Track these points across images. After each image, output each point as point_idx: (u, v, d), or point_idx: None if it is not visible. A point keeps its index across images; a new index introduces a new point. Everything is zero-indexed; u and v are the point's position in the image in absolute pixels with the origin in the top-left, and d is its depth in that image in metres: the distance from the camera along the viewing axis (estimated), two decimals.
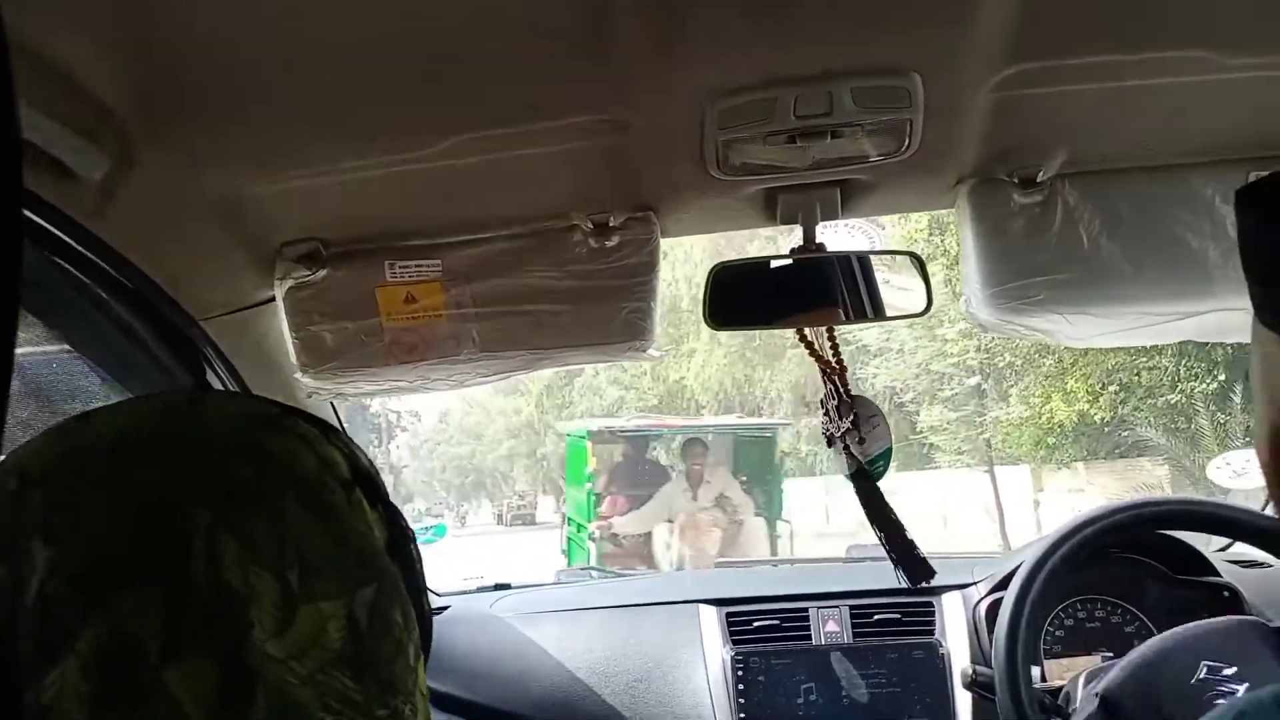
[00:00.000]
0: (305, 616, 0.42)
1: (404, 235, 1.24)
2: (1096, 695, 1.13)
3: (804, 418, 16.70)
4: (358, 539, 0.46)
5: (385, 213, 1.20)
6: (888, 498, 1.29)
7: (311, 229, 1.22)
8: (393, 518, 0.50)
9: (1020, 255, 1.20)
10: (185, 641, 0.38)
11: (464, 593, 1.94)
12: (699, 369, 20.36)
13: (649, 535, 7.54)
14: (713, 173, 1.12)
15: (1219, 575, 1.48)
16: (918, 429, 16.01)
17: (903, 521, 1.31)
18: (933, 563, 1.92)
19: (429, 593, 1.81)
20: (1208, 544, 1.59)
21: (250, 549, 0.41)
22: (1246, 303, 1.20)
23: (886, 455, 1.30)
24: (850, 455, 1.29)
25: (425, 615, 0.51)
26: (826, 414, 1.31)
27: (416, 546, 0.53)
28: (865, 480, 1.30)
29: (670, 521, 7.30)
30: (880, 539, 1.30)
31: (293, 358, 1.28)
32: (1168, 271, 1.19)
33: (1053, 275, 1.19)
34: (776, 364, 18.61)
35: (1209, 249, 1.18)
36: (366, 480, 0.49)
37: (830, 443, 1.32)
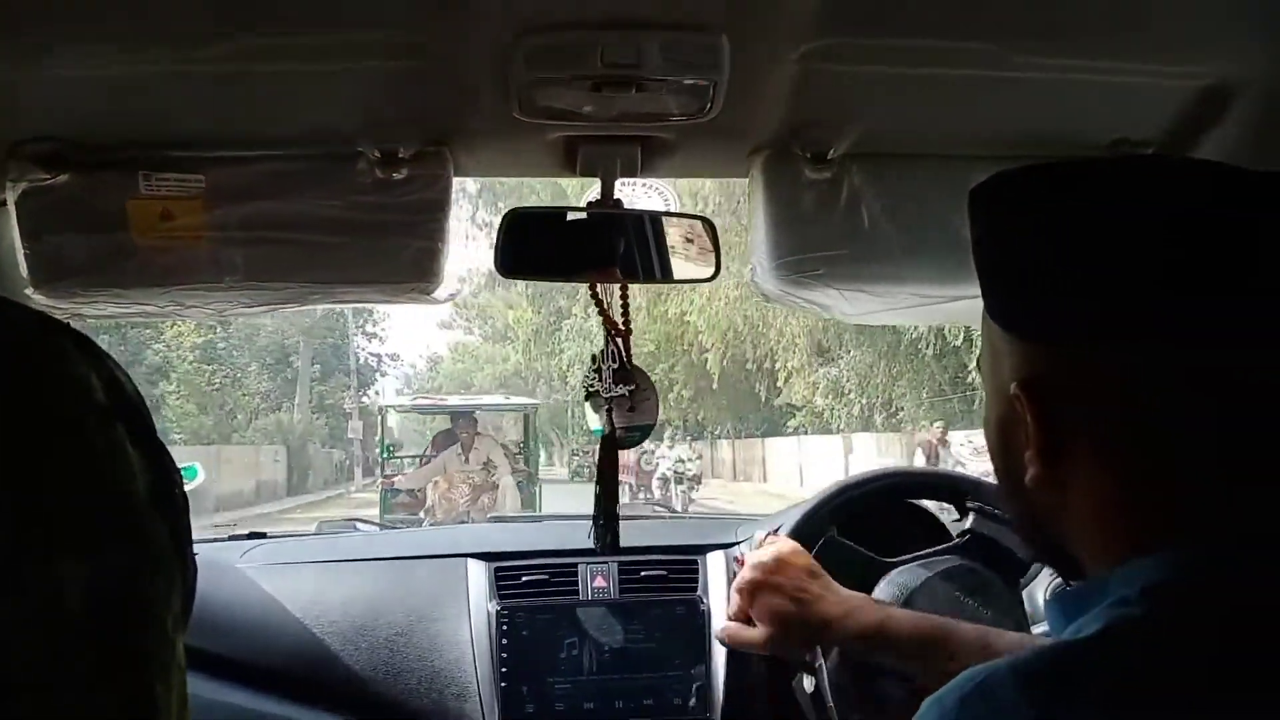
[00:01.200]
0: (35, 576, 0.35)
1: (164, 145, 1.12)
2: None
3: (820, 368, 17.07)
4: (114, 489, 0.39)
5: (145, 117, 1.08)
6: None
7: (55, 127, 1.07)
8: (158, 459, 0.42)
9: (805, 230, 1.23)
10: None
11: (213, 540, 1.82)
12: (704, 304, 19.53)
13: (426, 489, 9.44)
14: (515, 114, 1.07)
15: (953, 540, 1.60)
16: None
17: (618, 494, 1.35)
18: (698, 524, 1.98)
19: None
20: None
21: None
22: None
23: (646, 430, 1.32)
24: (610, 418, 1.29)
25: (189, 574, 0.45)
26: (599, 372, 1.30)
27: (184, 493, 0.45)
28: (613, 446, 1.31)
29: (438, 480, 9.30)
30: (596, 500, 1.33)
31: (24, 271, 1.14)
32: (941, 257, 1.26)
33: (834, 251, 1.23)
34: None
35: None
36: (130, 412, 0.41)
37: (590, 397, 1.31)
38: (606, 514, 1.29)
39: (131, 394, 0.42)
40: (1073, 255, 0.61)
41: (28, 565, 0.34)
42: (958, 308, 1.33)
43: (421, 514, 9.16)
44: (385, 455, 10.53)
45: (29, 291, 1.14)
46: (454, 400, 11.93)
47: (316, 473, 27.07)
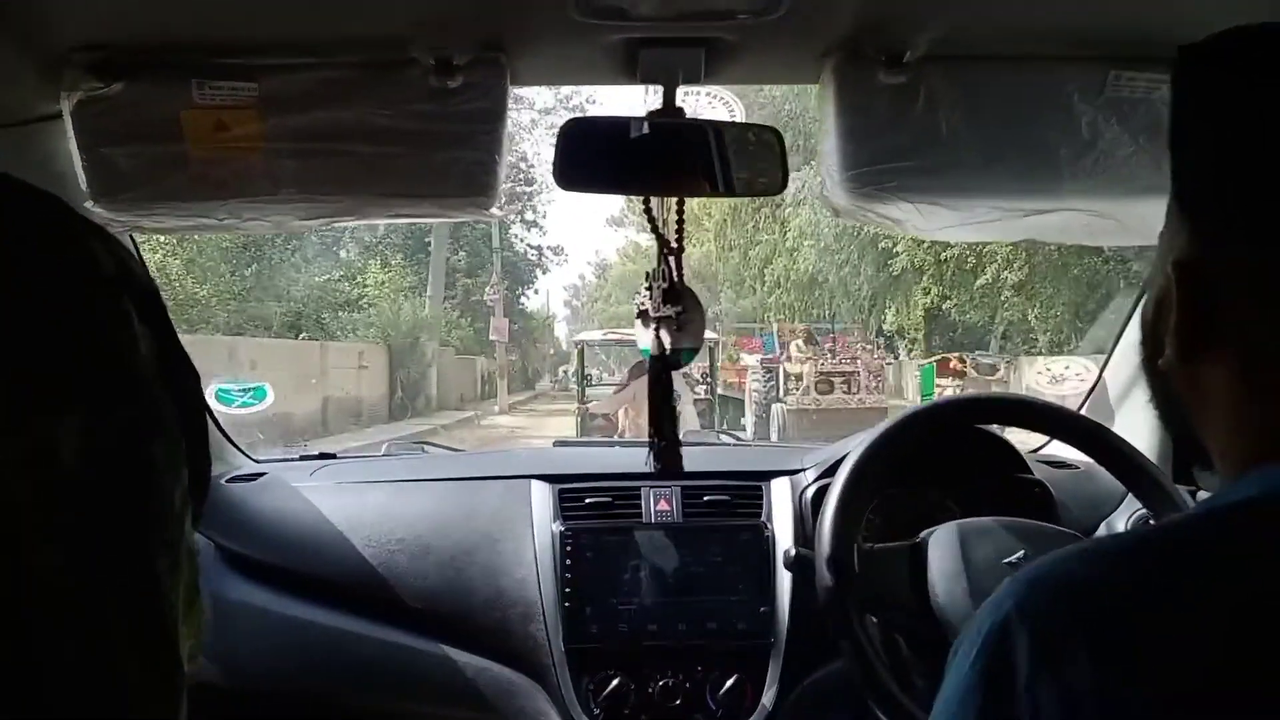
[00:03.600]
0: (34, 427, 0.35)
1: (216, 51, 1.09)
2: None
3: None
4: (115, 353, 0.39)
5: (194, 20, 1.05)
6: None
7: (105, 33, 1.06)
8: (169, 343, 0.42)
9: (880, 138, 1.17)
10: None
11: (283, 460, 1.84)
12: None
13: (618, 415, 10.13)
14: (572, 14, 1.02)
15: (1031, 473, 1.54)
16: None
17: (678, 417, 1.31)
18: (764, 451, 1.94)
19: (242, 455, 1.70)
20: (1024, 444, 1.65)
21: None
22: (1091, 205, 1.22)
23: (692, 352, 1.28)
24: (658, 338, 1.25)
25: (202, 465, 0.44)
26: (649, 289, 1.25)
27: (199, 386, 0.45)
28: (664, 366, 1.27)
29: (632, 402, 9.74)
30: (651, 422, 1.29)
31: (82, 184, 1.13)
32: (1020, 167, 1.19)
33: (909, 162, 1.17)
34: None
35: (1062, 148, 1.18)
36: (139, 292, 0.41)
37: (640, 316, 1.27)
38: (665, 436, 1.25)
39: (141, 276, 0.42)
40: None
41: (24, 413, 0.35)
42: (1038, 222, 1.26)
43: (615, 437, 9.88)
44: (582, 386, 11.56)
45: (88, 204, 1.14)
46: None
47: (448, 385, 20.47)
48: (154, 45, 1.07)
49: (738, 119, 1.33)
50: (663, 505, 1.56)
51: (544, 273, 32.33)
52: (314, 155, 1.13)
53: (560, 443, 2.02)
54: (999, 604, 0.53)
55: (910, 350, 22.81)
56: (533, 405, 25.57)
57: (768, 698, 1.44)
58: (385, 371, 17.48)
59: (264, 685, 1.45)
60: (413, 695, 1.48)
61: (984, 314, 19.91)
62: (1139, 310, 0.70)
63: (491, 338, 22.41)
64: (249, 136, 1.11)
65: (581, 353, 12.37)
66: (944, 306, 20.85)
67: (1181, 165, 0.61)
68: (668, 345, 1.22)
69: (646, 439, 1.32)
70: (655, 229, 1.23)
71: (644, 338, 1.24)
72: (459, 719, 1.47)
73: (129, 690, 0.37)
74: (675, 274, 1.22)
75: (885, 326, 22.58)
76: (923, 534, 1.30)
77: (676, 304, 1.20)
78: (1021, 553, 1.23)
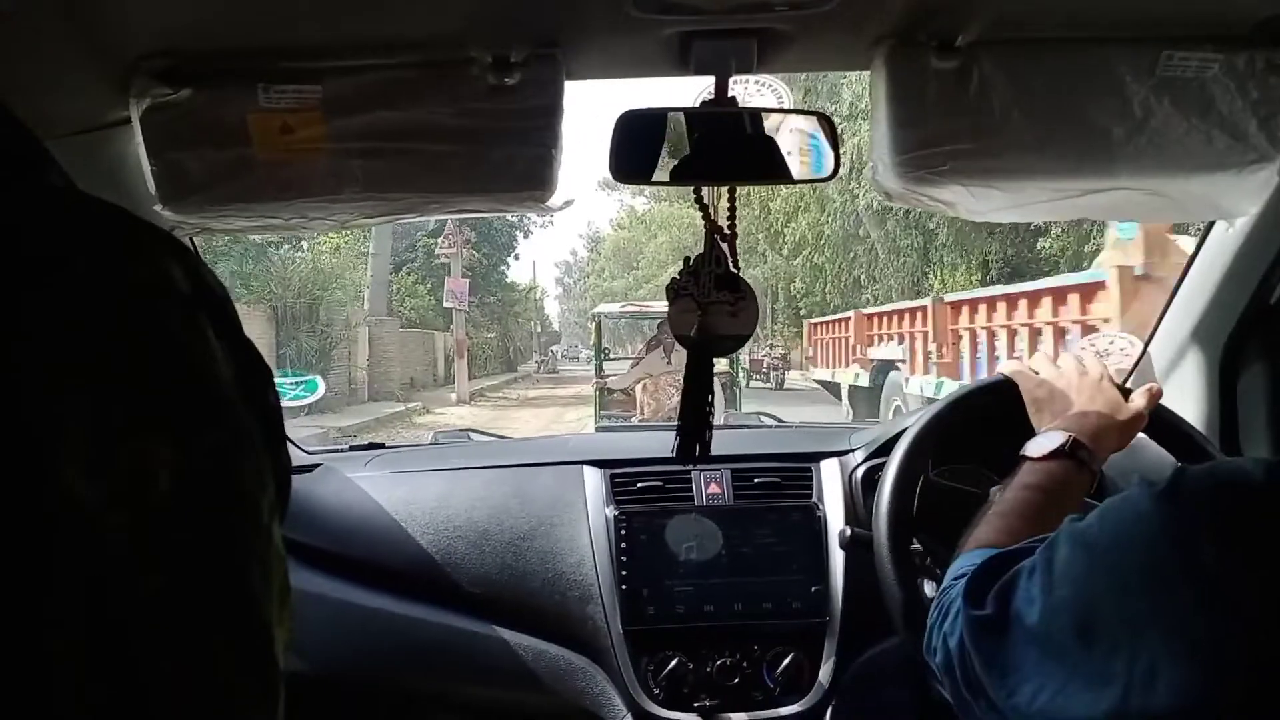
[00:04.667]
0: (128, 456, 0.34)
1: (280, 55, 1.11)
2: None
3: None
4: (198, 374, 0.38)
5: (259, 26, 1.07)
6: None
7: (172, 41, 1.08)
8: (246, 354, 0.43)
9: (931, 123, 1.18)
10: None
11: (335, 451, 1.88)
12: None
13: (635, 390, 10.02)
14: (629, 10, 1.04)
15: None
16: None
17: (711, 402, 1.29)
18: (810, 432, 1.96)
19: (295, 447, 1.73)
20: None
21: (58, 375, 0.33)
22: (1143, 183, 1.22)
23: (742, 340, 1.28)
24: (702, 323, 1.24)
25: (283, 468, 0.45)
26: (694, 274, 1.25)
27: (275, 390, 0.46)
28: (706, 353, 1.26)
29: (648, 377, 9.81)
30: (682, 407, 1.28)
31: (151, 188, 1.16)
32: (1073, 147, 1.20)
33: (961, 145, 1.18)
34: None
35: (1114, 127, 1.19)
36: (214, 306, 0.41)
37: (675, 299, 1.24)
38: (694, 423, 1.25)
39: (215, 288, 0.42)
40: None
41: (117, 446, 0.34)
42: (1090, 201, 1.27)
43: (634, 412, 9.88)
44: (600, 361, 11.28)
45: (157, 208, 1.17)
46: (659, 306, 12.63)
47: (389, 365, 17.59)
48: (221, 51, 1.10)
49: (785, 105, 1.33)
50: (713, 488, 1.59)
51: (525, 236, 29.25)
52: (376, 154, 1.15)
53: (604, 428, 2.05)
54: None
55: None
56: (506, 392, 22.61)
57: (824, 674, 1.47)
58: (269, 347, 13.41)
59: (328, 671, 1.49)
60: (475, 678, 1.51)
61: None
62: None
63: (446, 303, 18.59)
64: (313, 138, 1.14)
65: (599, 326, 12.07)
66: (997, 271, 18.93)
67: None
68: (714, 331, 1.22)
69: (722, 420, 1.33)
70: (707, 215, 1.24)
71: (679, 321, 1.23)
72: (521, 701, 1.51)
73: (232, 700, 0.38)
74: (730, 260, 1.23)
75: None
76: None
77: (735, 290, 1.21)
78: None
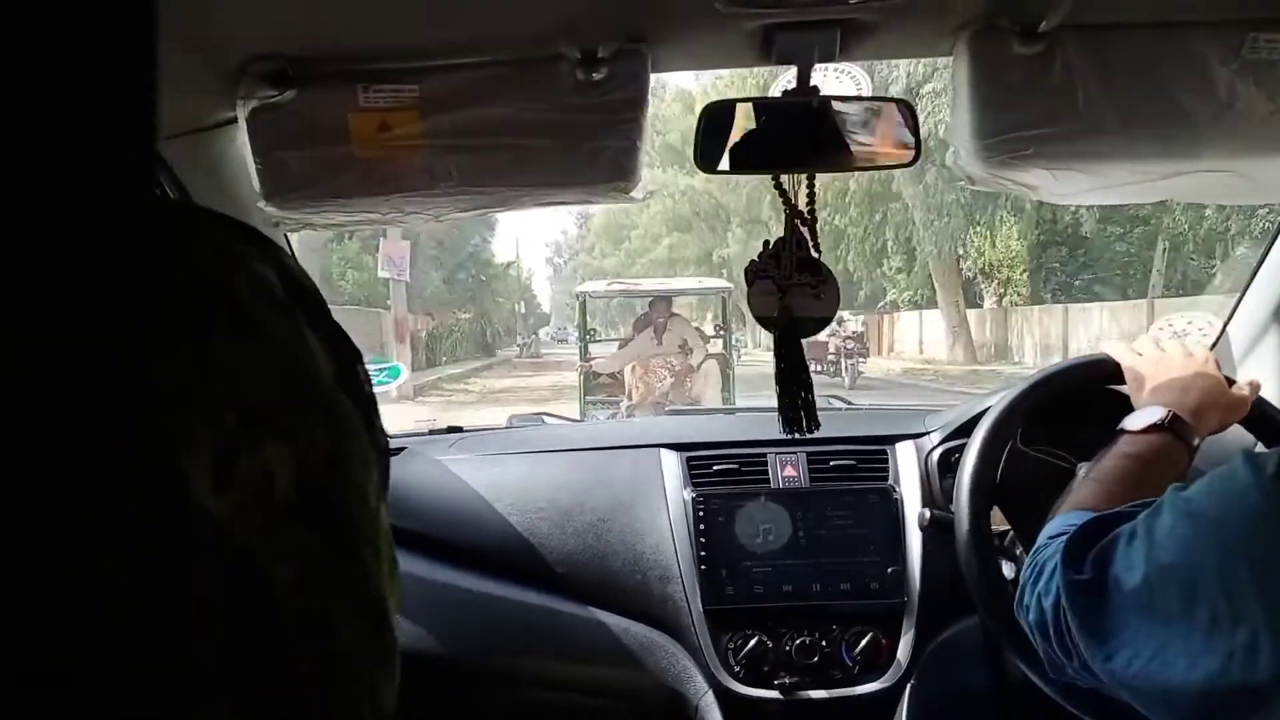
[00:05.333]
0: (248, 465, 0.35)
1: (379, 57, 1.16)
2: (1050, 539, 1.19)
3: None
4: (303, 373, 0.40)
5: (359, 30, 1.12)
6: None
7: (278, 45, 1.13)
8: (340, 345, 0.43)
9: (1014, 108, 1.19)
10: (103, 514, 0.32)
11: (418, 435, 1.93)
12: None
13: (624, 373, 9.36)
14: (715, 4, 1.06)
15: None
16: None
17: (810, 378, 1.32)
18: (886, 414, 1.97)
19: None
20: None
21: (175, 391, 0.34)
22: (1228, 165, 1.22)
23: (824, 321, 1.30)
24: (785, 305, 1.27)
25: (382, 450, 0.46)
26: (774, 257, 1.28)
27: (366, 371, 0.46)
28: (795, 334, 1.29)
29: (638, 359, 9.13)
30: (780, 387, 1.31)
31: (255, 185, 1.21)
32: (1158, 130, 1.20)
33: (1045, 129, 1.18)
34: None
35: (1199, 110, 1.19)
36: (308, 302, 0.42)
37: (755, 281, 1.28)
38: (799, 403, 1.29)
39: (306, 284, 0.43)
40: None
41: (239, 459, 0.35)
42: (1174, 184, 1.27)
43: (622, 397, 9.23)
44: (585, 343, 10.40)
45: (261, 204, 1.22)
46: (648, 284, 11.85)
47: None
48: (324, 54, 1.14)
49: (864, 92, 1.34)
50: (789, 471, 1.61)
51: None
52: (470, 150, 1.19)
53: (674, 411, 2.08)
54: None
55: (1004, 294, 19.41)
56: (470, 382, 20.08)
57: (903, 654, 1.49)
58: None
59: (420, 648, 1.55)
60: (561, 655, 1.56)
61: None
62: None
63: (382, 272, 14.94)
64: (410, 135, 1.18)
65: (584, 306, 10.91)
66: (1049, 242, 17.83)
67: None
68: (798, 313, 1.25)
69: (763, 406, 1.36)
70: (787, 200, 1.26)
71: (759, 303, 1.27)
72: (606, 677, 1.55)
73: (360, 671, 0.41)
74: (811, 243, 1.25)
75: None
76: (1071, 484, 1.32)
77: (817, 273, 1.24)
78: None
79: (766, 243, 1.29)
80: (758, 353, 19.25)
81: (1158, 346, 1.28)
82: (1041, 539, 0.98)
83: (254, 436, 0.36)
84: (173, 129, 1.20)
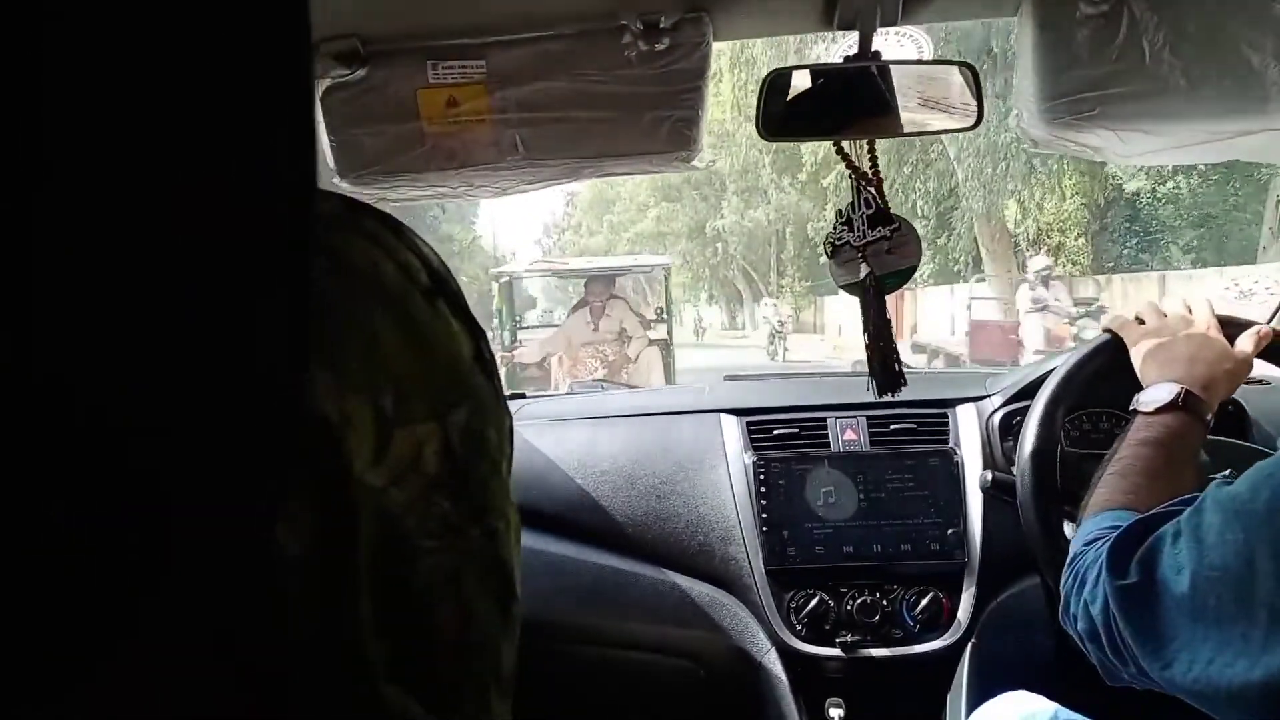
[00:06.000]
0: (401, 441, 0.38)
1: (448, 33, 1.18)
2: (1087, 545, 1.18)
3: None
4: (446, 355, 0.42)
5: (429, 7, 1.14)
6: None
7: (351, 24, 1.16)
8: (473, 324, 0.46)
9: (1080, 67, 1.18)
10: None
11: None
12: None
13: (551, 363, 8.33)
14: None
15: None
16: None
17: (894, 339, 1.33)
18: (947, 378, 1.97)
19: None
20: None
21: (343, 376, 0.37)
22: None
23: (906, 273, 1.31)
24: (869, 264, 1.29)
25: (508, 421, 0.48)
26: (847, 223, 1.30)
27: (491, 350, 0.49)
28: (879, 292, 1.31)
29: (568, 346, 8.08)
30: (868, 349, 1.32)
31: (330, 162, 1.25)
32: (1226, 89, 1.18)
33: (1111, 90, 1.17)
34: None
35: (1270, 67, 1.17)
36: (445, 286, 0.44)
37: (834, 253, 1.31)
38: (881, 362, 1.30)
39: (440, 268, 0.45)
40: None
41: (393, 434, 0.38)
42: (1243, 143, 1.25)
43: (551, 389, 7.67)
44: (504, 326, 9.37)
45: (335, 180, 1.26)
46: (577, 263, 11.15)
47: None
48: (395, 32, 1.17)
49: (926, 56, 1.33)
50: (850, 435, 1.63)
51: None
52: (535, 124, 1.22)
53: (730, 377, 2.10)
54: None
55: (1060, 259, 16.54)
56: None
57: (963, 613, 1.51)
58: None
59: None
60: (626, 614, 1.60)
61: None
62: None
63: None
64: (478, 110, 1.21)
65: (507, 289, 9.69)
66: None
67: None
68: (880, 270, 1.26)
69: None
70: (850, 163, 1.27)
71: (841, 275, 1.28)
72: (670, 635, 1.59)
73: (490, 633, 0.44)
74: (879, 201, 1.26)
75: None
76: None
77: (887, 224, 1.25)
78: (1228, 471, 1.24)
79: (839, 212, 1.31)
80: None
81: (1158, 313, 1.26)
82: (1076, 545, 0.96)
83: (407, 416, 0.38)
84: None
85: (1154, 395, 1.11)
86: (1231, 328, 1.24)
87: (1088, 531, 0.96)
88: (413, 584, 0.39)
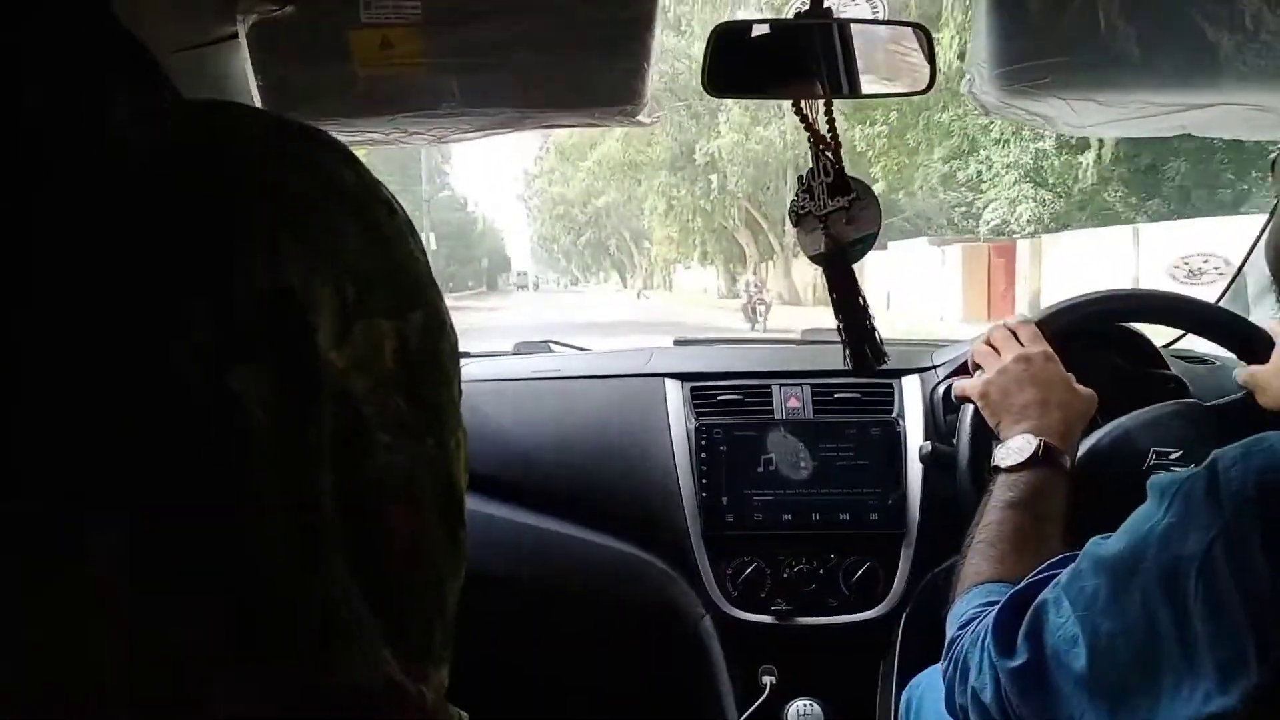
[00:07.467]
0: (361, 331, 0.40)
1: None
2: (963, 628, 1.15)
3: None
4: (407, 261, 0.44)
5: None
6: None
7: None
8: (422, 249, 0.47)
9: (1035, 34, 1.15)
10: (246, 342, 0.36)
11: None
12: None
13: None
14: None
15: (1167, 368, 1.54)
16: None
17: (869, 309, 1.29)
18: (894, 349, 1.96)
19: None
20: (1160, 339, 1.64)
21: (308, 253, 0.38)
22: (1251, 98, 1.19)
23: (869, 240, 1.27)
24: (829, 235, 1.25)
25: (456, 340, 0.50)
26: (808, 191, 1.26)
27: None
28: (843, 261, 1.27)
29: None
30: (839, 323, 1.28)
31: (258, 103, 1.19)
32: (1179, 60, 1.16)
33: (1064, 58, 1.15)
34: None
35: (1223, 39, 1.15)
36: (397, 207, 0.45)
37: (798, 221, 1.26)
38: (855, 335, 1.26)
39: (393, 197, 0.46)
40: None
41: (356, 322, 0.39)
42: (1195, 116, 1.24)
43: None
44: None
45: None
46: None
47: None
48: None
49: (881, 17, 1.30)
50: (793, 402, 1.61)
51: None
52: (473, 70, 1.17)
53: (681, 341, 2.07)
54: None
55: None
56: None
57: (899, 584, 1.51)
58: None
59: None
60: (564, 578, 1.58)
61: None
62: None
63: None
64: (412, 53, 1.15)
65: None
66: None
67: None
68: (842, 240, 1.22)
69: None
70: (809, 126, 1.23)
71: (807, 243, 1.24)
72: (606, 599, 1.57)
73: (439, 557, 0.45)
74: (836, 167, 1.22)
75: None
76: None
77: (847, 193, 1.21)
78: (1180, 452, 1.22)
79: (800, 178, 1.27)
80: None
81: (994, 354, 1.22)
82: (951, 628, 0.92)
83: (368, 309, 0.40)
84: (173, 45, 1.17)
85: (1012, 450, 1.08)
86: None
87: (961, 613, 0.92)
88: (369, 476, 0.40)
